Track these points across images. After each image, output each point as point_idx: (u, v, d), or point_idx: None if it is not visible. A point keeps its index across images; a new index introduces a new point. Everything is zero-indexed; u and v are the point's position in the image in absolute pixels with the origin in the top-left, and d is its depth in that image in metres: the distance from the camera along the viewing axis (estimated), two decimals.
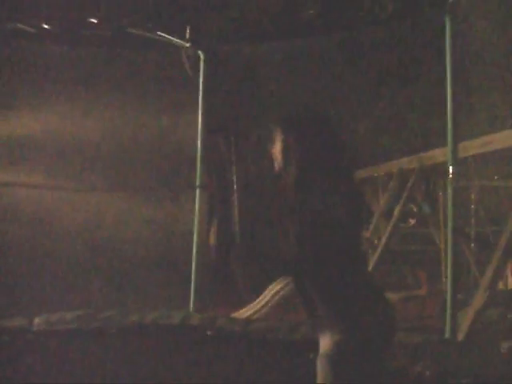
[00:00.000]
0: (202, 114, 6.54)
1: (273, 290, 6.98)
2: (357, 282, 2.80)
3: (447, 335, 5.52)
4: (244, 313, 6.55)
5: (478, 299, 5.97)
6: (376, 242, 9.09)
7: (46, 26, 6.46)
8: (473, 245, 8.38)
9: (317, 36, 6.71)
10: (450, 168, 5.46)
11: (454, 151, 5.49)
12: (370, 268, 8.47)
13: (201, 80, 6.78)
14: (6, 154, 6.82)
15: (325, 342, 2.86)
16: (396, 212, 8.88)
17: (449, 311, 5.33)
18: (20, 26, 6.67)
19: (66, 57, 7.19)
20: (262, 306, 6.76)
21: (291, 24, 6.48)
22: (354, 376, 2.73)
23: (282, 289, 6.97)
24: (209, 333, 4.26)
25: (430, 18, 6.14)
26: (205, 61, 6.76)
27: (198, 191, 6.10)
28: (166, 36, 6.68)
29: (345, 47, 7.48)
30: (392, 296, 9.10)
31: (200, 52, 6.87)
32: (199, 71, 6.99)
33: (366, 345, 2.75)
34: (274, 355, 3.85)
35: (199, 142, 6.43)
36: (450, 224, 5.26)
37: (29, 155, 6.89)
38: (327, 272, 2.77)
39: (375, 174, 9.62)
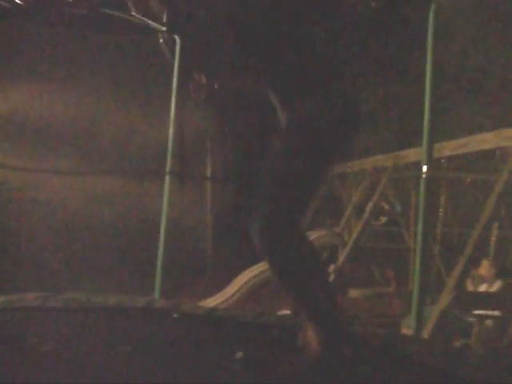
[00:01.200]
0: (176, 99, 6.46)
1: (241, 280, 6.95)
2: None
3: (412, 332, 5.55)
4: (211, 302, 6.52)
5: (444, 298, 6.07)
6: (347, 238, 9.11)
7: (18, 2, 6.33)
8: (439, 246, 8.48)
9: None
10: (424, 167, 5.44)
11: (429, 151, 5.46)
12: (339, 263, 8.53)
13: (176, 65, 6.68)
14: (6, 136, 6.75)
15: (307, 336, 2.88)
16: (367, 209, 8.91)
17: (415, 309, 5.33)
18: None
19: (43, 36, 7.09)
20: (230, 296, 6.74)
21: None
22: None
23: (251, 279, 6.94)
24: (175, 315, 4.19)
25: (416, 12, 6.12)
26: (179, 46, 6.67)
27: (167, 178, 6.05)
28: (142, 18, 6.57)
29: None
30: (359, 292, 9.18)
31: (176, 37, 6.77)
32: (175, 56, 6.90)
33: None
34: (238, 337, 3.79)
35: (171, 129, 6.36)
36: (420, 224, 5.25)
37: (24, 138, 6.82)
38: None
39: (349, 170, 9.64)
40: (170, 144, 6.15)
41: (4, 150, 6.70)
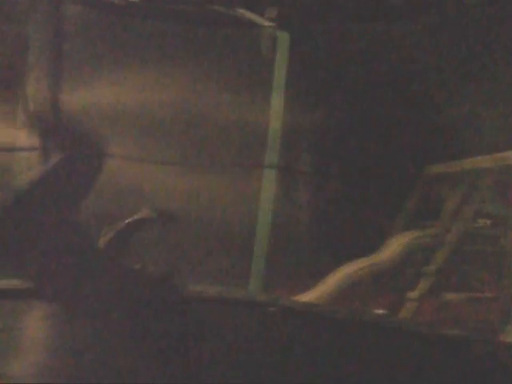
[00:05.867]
0: (280, 95, 6.51)
1: (340, 275, 6.90)
2: None
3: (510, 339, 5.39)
4: (308, 296, 6.50)
5: None
6: (443, 240, 8.90)
7: None
8: None
9: (404, 20, 6.59)
10: None
11: None
12: (434, 266, 8.35)
13: (278, 60, 6.73)
14: (83, 122, 6.92)
15: None
16: (466, 211, 8.69)
17: None
18: None
19: (145, 30, 7.25)
20: (327, 291, 6.69)
21: (380, 6, 6.38)
22: None
23: (350, 274, 6.89)
24: (272, 309, 4.21)
25: None
26: (285, 41, 6.71)
27: (265, 170, 6.09)
28: (246, 13, 6.65)
29: (434, 33, 7.31)
30: (455, 296, 8.96)
31: (280, 32, 6.82)
32: (276, 52, 6.95)
33: None
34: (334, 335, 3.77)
35: (273, 123, 6.41)
36: None
37: (99, 124, 6.98)
38: None
39: (448, 171, 9.43)
40: (270, 137, 6.18)
41: (114, 141, 6.88)
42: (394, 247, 8.12)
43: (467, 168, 9.05)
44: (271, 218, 6.43)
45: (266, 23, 6.91)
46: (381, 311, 6.56)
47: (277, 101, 6.54)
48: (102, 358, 3.24)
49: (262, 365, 3.32)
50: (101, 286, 3.59)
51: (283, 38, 7.08)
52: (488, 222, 9.45)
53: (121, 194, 6.73)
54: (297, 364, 3.33)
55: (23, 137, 6.53)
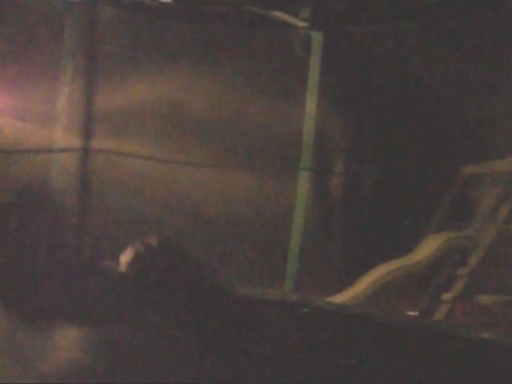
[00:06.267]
0: (314, 96, 6.50)
1: (373, 277, 6.88)
2: None
3: None
4: (341, 297, 6.49)
5: None
6: (478, 241, 8.80)
7: (164, 0, 6.58)
8: None
9: (440, 20, 6.55)
10: None
11: None
12: (469, 267, 8.27)
13: (313, 61, 6.73)
14: (116, 123, 6.97)
15: None
16: (502, 212, 8.59)
17: None
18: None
19: (179, 32, 7.29)
20: (360, 292, 6.67)
21: (415, 7, 6.35)
22: None
23: (382, 276, 6.86)
24: (305, 310, 4.22)
25: None
26: (319, 42, 6.70)
27: (302, 173, 6.12)
28: (281, 14, 6.66)
29: (466, 34, 7.24)
30: (489, 298, 8.86)
31: (314, 32, 6.82)
32: (310, 52, 6.95)
33: None
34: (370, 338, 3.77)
35: (308, 125, 6.43)
36: None
37: (137, 125, 7.03)
38: None
39: (483, 171, 9.32)
40: (305, 139, 6.19)
41: (148, 142, 6.94)
42: (427, 248, 8.06)
43: (502, 169, 8.94)
44: (305, 220, 6.44)
45: (301, 24, 6.91)
46: (414, 313, 6.53)
47: (311, 102, 6.54)
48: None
49: (295, 363, 3.34)
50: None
51: (317, 38, 7.07)
52: None
53: (156, 194, 6.79)
54: (327, 363, 3.34)
55: (61, 138, 6.62)
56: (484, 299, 8.95)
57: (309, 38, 7.00)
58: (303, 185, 6.18)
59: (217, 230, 6.51)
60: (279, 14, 6.86)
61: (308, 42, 7.02)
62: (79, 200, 6.47)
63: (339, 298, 6.66)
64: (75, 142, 6.65)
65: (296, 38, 7.05)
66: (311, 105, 6.49)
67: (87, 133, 6.67)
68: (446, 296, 7.31)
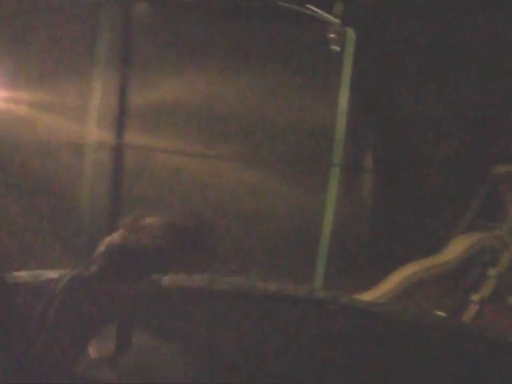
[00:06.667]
0: (346, 92, 6.49)
1: (401, 275, 6.85)
2: None
3: None
4: (369, 295, 6.48)
5: None
6: (510, 241, 8.72)
7: None
8: None
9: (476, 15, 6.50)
10: None
11: None
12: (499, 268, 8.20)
13: (346, 58, 6.72)
14: (150, 118, 7.01)
15: None
16: None
17: None
18: None
19: (213, 27, 7.30)
20: (389, 291, 6.66)
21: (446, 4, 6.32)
22: None
23: (411, 275, 6.83)
24: (333, 307, 4.21)
25: None
26: (353, 38, 6.69)
27: (332, 169, 6.12)
28: (316, 10, 6.65)
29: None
30: None
31: (347, 29, 6.80)
32: (344, 49, 6.94)
33: None
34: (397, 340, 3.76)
35: (340, 121, 6.42)
36: None
37: (170, 121, 7.07)
38: None
39: None
40: (337, 135, 6.18)
41: (180, 137, 6.97)
42: (457, 248, 8.00)
43: None
44: (335, 217, 6.43)
45: (334, 20, 6.90)
46: (442, 313, 6.48)
47: (343, 98, 6.53)
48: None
49: (322, 360, 3.34)
50: None
51: (350, 34, 7.05)
52: None
53: (188, 189, 6.82)
54: (353, 362, 3.34)
55: (94, 133, 6.68)
56: None
57: (342, 35, 6.99)
58: (334, 181, 6.18)
59: (247, 225, 6.52)
60: (312, 10, 6.85)
61: (341, 38, 7.00)
62: (111, 196, 6.53)
63: (368, 296, 6.65)
64: (108, 136, 6.71)
65: (329, 34, 7.03)
66: (343, 101, 6.48)
67: (120, 128, 6.73)
68: (475, 297, 7.25)
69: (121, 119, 6.76)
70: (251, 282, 4.63)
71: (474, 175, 8.11)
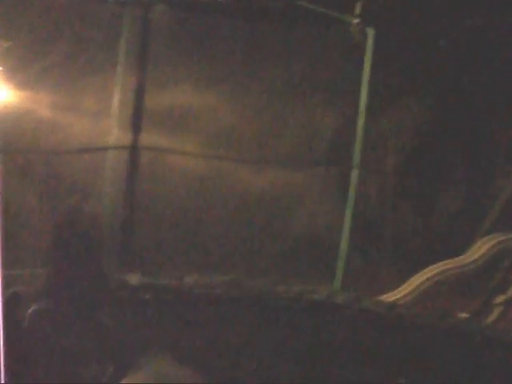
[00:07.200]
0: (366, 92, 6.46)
1: (423, 277, 6.79)
2: None
3: None
4: (391, 297, 6.43)
5: None
6: None
7: None
8: None
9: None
10: None
11: None
12: None
13: (367, 58, 6.68)
14: (166, 121, 7.02)
15: None
16: None
17: None
18: None
19: (232, 29, 7.29)
20: (411, 292, 6.60)
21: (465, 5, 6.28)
22: None
23: (433, 276, 6.77)
24: (354, 310, 4.19)
25: None
26: (371, 38, 6.65)
27: (353, 171, 6.08)
28: (334, 10, 6.63)
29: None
30: None
31: (367, 29, 6.77)
32: (364, 48, 6.91)
33: None
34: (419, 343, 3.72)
35: (360, 122, 6.38)
36: None
37: (186, 124, 7.07)
38: None
39: None
40: (358, 136, 6.14)
41: (200, 140, 6.97)
42: (480, 250, 7.91)
43: None
44: (355, 219, 6.39)
45: (354, 20, 6.87)
46: (465, 315, 6.42)
47: (364, 98, 6.49)
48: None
49: (342, 362, 3.31)
50: None
51: (370, 34, 7.01)
52: None
53: (206, 191, 6.81)
54: (372, 364, 3.31)
55: (114, 136, 6.69)
56: None
57: (362, 35, 6.95)
58: (354, 182, 6.14)
59: (266, 227, 6.50)
60: (332, 10, 6.82)
61: (361, 38, 6.97)
62: (129, 196, 6.54)
63: (390, 298, 6.60)
64: (128, 139, 6.73)
65: (350, 34, 7.00)
66: (364, 101, 6.44)
67: (139, 130, 6.74)
68: (499, 299, 7.17)
69: (140, 122, 6.78)
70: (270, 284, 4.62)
71: (497, 176, 8.05)
